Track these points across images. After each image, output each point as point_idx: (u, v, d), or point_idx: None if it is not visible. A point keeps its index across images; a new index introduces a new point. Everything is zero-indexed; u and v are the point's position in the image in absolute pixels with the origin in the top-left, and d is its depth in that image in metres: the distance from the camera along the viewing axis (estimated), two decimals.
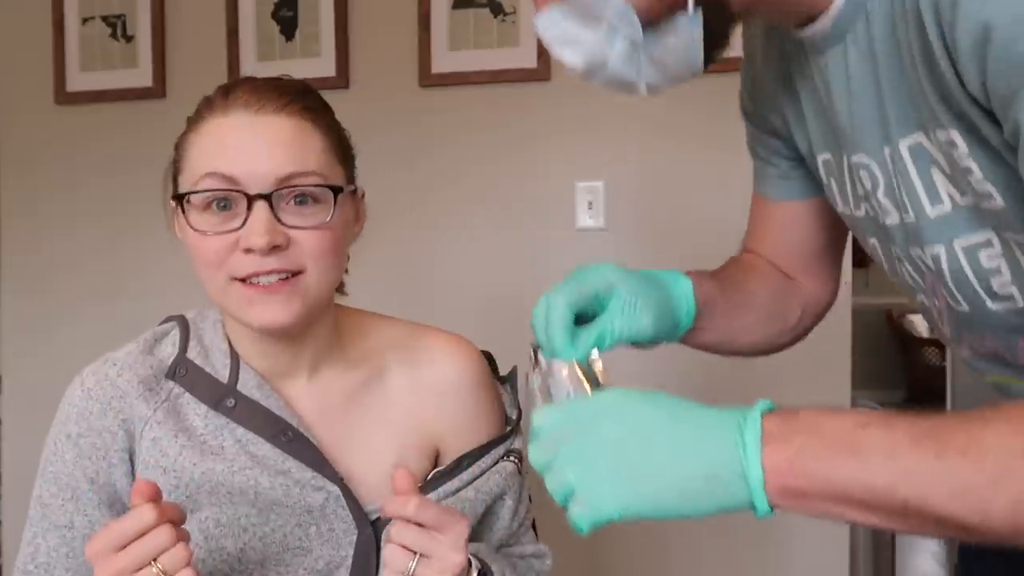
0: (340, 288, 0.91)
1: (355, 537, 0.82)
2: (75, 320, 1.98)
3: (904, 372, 2.42)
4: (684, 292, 0.81)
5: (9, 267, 2.05)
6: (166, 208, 0.83)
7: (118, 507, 0.82)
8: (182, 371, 0.83)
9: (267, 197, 0.74)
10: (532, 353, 0.71)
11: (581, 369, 0.66)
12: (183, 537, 0.68)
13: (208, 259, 0.76)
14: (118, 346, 0.87)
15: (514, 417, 0.93)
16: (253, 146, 0.75)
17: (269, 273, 0.75)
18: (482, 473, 0.86)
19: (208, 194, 0.75)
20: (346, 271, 0.94)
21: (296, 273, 0.76)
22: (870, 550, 2.31)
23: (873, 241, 0.80)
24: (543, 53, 1.77)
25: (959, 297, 0.72)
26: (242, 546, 0.79)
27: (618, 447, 0.58)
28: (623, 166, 1.77)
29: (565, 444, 0.59)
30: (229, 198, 0.75)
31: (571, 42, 0.70)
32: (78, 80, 1.98)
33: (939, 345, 2.23)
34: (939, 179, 0.67)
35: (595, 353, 0.67)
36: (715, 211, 1.76)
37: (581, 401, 0.64)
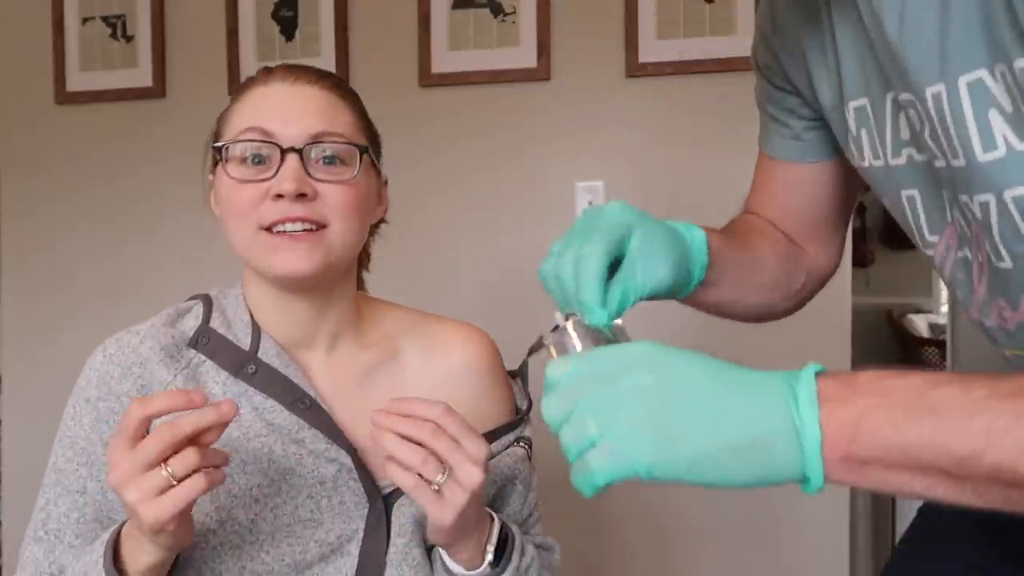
0: (365, 264, 0.96)
1: (366, 510, 0.83)
2: (75, 321, 1.98)
3: None
4: (698, 242, 0.75)
5: (9, 268, 2.05)
6: (204, 182, 0.89)
7: None
8: (204, 339, 0.85)
9: (299, 151, 0.80)
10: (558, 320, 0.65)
11: (603, 332, 0.61)
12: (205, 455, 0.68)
13: (240, 207, 0.80)
14: None
15: (524, 408, 0.95)
16: (289, 107, 0.82)
17: (295, 221, 0.79)
18: (492, 457, 0.87)
19: (246, 145, 0.81)
20: (367, 269, 0.96)
21: (321, 227, 0.80)
22: (869, 549, 2.31)
23: (911, 193, 0.73)
24: (543, 53, 1.77)
25: (1003, 252, 0.65)
26: (253, 517, 0.80)
27: (651, 397, 0.51)
28: (623, 166, 1.77)
29: (586, 394, 0.52)
30: (263, 153, 0.80)
31: None
32: (78, 80, 1.98)
33: (939, 345, 2.22)
34: (996, 121, 0.60)
35: (620, 321, 0.62)
36: (715, 211, 1.75)
37: (603, 350, 0.55)
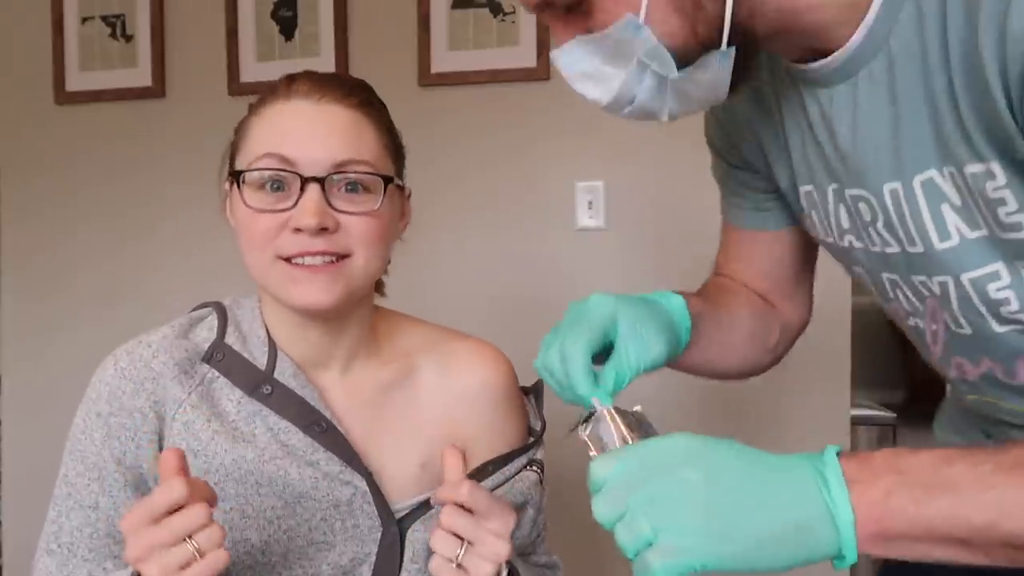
0: (379, 288, 0.93)
1: (380, 534, 0.82)
2: (75, 322, 1.98)
3: (904, 372, 2.41)
4: (679, 309, 0.80)
5: (9, 268, 2.05)
6: (220, 190, 0.86)
7: (143, 490, 0.81)
8: (219, 356, 0.83)
9: (320, 180, 0.76)
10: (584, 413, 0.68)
11: (630, 418, 0.64)
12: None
13: (257, 237, 0.78)
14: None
15: (537, 428, 0.93)
16: (311, 131, 0.78)
17: (315, 255, 0.77)
18: (506, 480, 0.87)
19: (264, 173, 0.77)
20: (386, 272, 0.94)
21: (343, 257, 0.78)
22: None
23: (859, 269, 0.80)
24: (543, 53, 1.77)
25: (963, 322, 0.72)
26: (266, 538, 0.79)
27: (700, 495, 0.54)
28: (623, 166, 1.77)
29: (636, 493, 0.55)
30: (283, 179, 0.77)
31: (596, 78, 0.69)
32: (78, 80, 1.98)
33: None
34: (948, 214, 0.66)
35: (639, 408, 0.65)
36: (715, 211, 1.75)
37: (644, 446, 0.59)
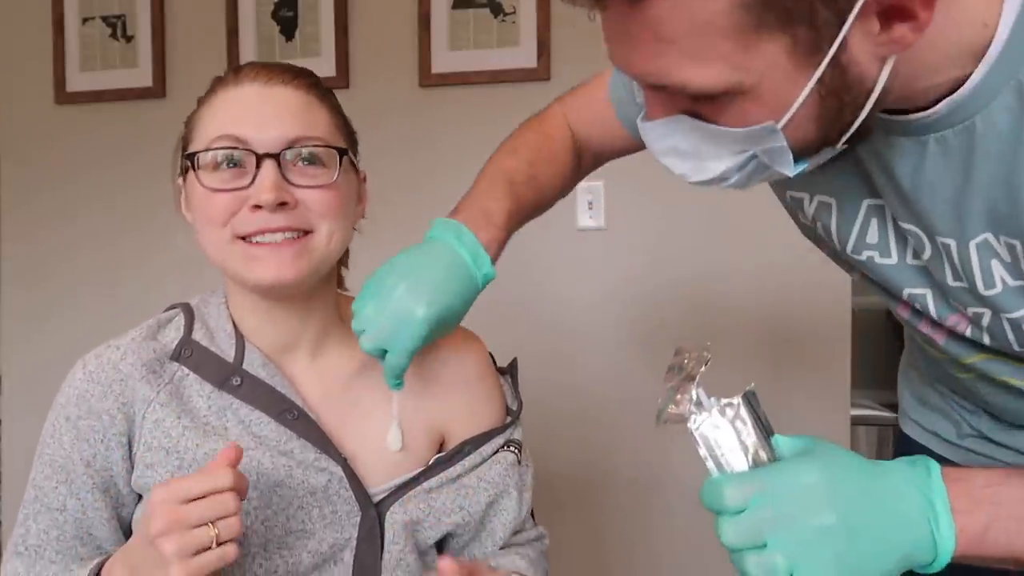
0: (341, 284, 0.93)
1: (359, 519, 0.81)
2: (76, 328, 1.98)
3: None
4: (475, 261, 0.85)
5: (9, 269, 2.05)
6: (173, 187, 0.85)
7: (113, 492, 0.81)
8: (187, 352, 0.83)
9: (275, 156, 0.76)
10: (693, 394, 0.64)
11: (750, 410, 0.62)
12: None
13: (214, 216, 0.77)
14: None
15: (515, 408, 0.94)
16: (263, 111, 0.78)
17: (276, 231, 0.76)
18: (483, 461, 0.87)
19: (219, 153, 0.77)
20: (346, 266, 0.93)
21: (305, 233, 0.78)
22: None
23: (855, 276, 0.81)
24: (543, 53, 1.77)
25: (986, 338, 0.74)
26: (244, 530, 0.77)
27: (836, 538, 0.57)
28: (623, 166, 1.76)
29: (776, 533, 0.57)
30: (238, 158, 0.77)
31: (691, 157, 0.65)
32: (78, 80, 1.98)
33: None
34: (996, 267, 0.67)
35: (753, 385, 0.63)
36: (715, 210, 1.76)
37: (779, 477, 0.59)
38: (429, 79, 1.82)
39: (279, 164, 0.76)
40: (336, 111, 0.85)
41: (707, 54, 0.55)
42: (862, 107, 0.59)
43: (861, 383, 1.86)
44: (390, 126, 1.82)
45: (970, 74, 0.59)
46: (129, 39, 1.96)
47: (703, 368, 0.63)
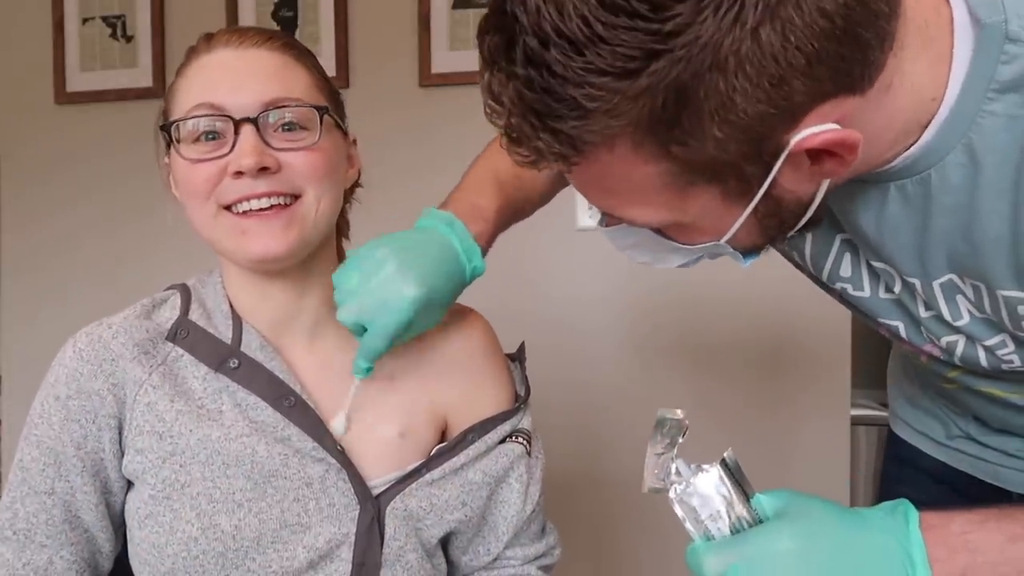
0: (341, 256, 0.90)
1: (357, 512, 0.78)
2: (73, 306, 1.98)
3: None
4: (465, 251, 0.84)
5: (9, 272, 2.05)
6: (160, 167, 0.83)
7: (102, 476, 0.79)
8: (183, 333, 0.81)
9: (253, 121, 0.74)
10: (672, 467, 0.66)
11: (728, 475, 0.62)
12: None
13: (197, 188, 0.75)
14: None
15: (523, 394, 0.90)
16: (237, 75, 0.76)
17: (260, 197, 0.74)
18: (488, 451, 0.84)
19: (197, 122, 0.75)
20: (347, 237, 0.91)
21: (294, 198, 0.76)
22: None
23: (842, 297, 0.82)
24: None
25: (957, 362, 0.76)
26: (236, 523, 0.75)
27: None
28: None
29: None
30: (217, 129, 0.75)
31: (650, 252, 0.72)
32: (78, 80, 1.98)
33: None
34: (962, 302, 0.70)
35: (730, 450, 0.63)
36: None
37: (754, 544, 0.59)
38: (429, 79, 1.82)
39: (258, 128, 0.74)
40: (315, 70, 0.82)
41: (647, 202, 0.61)
42: (803, 215, 0.64)
43: (861, 383, 1.86)
44: (390, 126, 1.82)
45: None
46: (129, 39, 1.96)
47: (681, 439, 0.65)
